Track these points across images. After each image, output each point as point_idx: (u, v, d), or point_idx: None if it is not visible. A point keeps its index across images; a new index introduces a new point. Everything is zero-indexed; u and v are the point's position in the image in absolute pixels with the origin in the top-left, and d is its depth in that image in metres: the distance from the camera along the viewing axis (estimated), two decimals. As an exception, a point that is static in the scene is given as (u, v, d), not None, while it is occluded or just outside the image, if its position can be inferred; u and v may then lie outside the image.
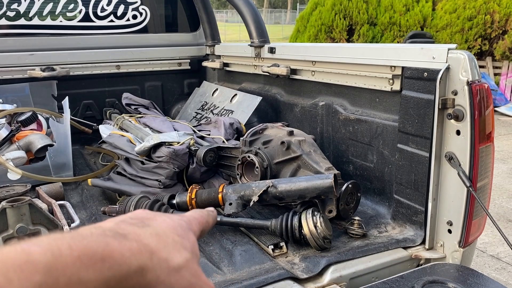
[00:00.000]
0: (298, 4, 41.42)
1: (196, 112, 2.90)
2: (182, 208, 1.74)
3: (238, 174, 1.84)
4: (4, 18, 2.68)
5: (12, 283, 0.35)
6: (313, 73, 2.15)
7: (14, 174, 2.04)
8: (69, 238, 0.40)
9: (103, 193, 2.09)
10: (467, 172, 1.43)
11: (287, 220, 1.53)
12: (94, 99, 2.94)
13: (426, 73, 1.49)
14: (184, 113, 2.99)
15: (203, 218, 0.59)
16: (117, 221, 0.48)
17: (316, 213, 1.52)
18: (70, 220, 1.44)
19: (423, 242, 1.57)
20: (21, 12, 2.71)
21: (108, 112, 2.84)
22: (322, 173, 1.67)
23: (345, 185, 1.64)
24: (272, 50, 2.41)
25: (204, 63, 3.09)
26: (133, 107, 2.76)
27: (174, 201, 1.76)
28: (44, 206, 1.45)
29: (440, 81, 1.43)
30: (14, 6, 2.68)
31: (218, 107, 2.73)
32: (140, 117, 2.58)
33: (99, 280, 0.40)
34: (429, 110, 1.48)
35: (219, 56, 3.03)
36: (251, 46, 2.56)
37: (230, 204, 1.62)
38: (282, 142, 1.78)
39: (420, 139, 1.55)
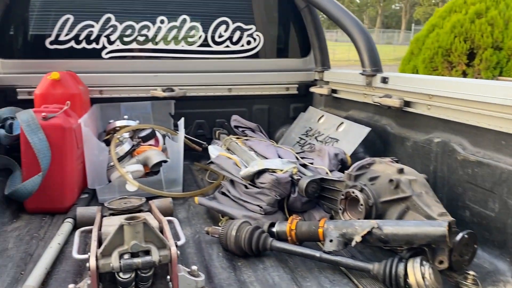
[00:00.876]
0: (413, 24, 39.74)
1: (299, 138, 2.90)
2: (281, 237, 1.74)
3: (340, 209, 1.78)
4: (135, 42, 2.98)
5: None
6: (429, 107, 2.02)
7: (131, 186, 2.23)
8: None
9: (208, 212, 2.18)
10: None
11: (391, 266, 1.44)
12: (205, 119, 3.11)
13: None
14: (288, 138, 3.01)
15: None
16: None
17: (424, 262, 1.41)
18: (176, 239, 1.51)
19: (553, 312, 1.36)
20: (150, 37, 2.99)
21: (217, 132, 2.98)
22: (434, 219, 1.55)
23: (461, 235, 1.49)
24: (384, 80, 2.32)
25: (312, 89, 3.09)
26: (240, 129, 2.86)
27: (274, 229, 1.77)
28: (155, 223, 1.55)
29: None
30: (144, 31, 2.97)
31: (323, 134, 2.70)
32: (246, 139, 2.66)
33: None
34: None
35: (327, 82, 3.01)
36: (362, 74, 2.50)
37: (331, 241, 1.57)
38: (391, 180, 1.69)
39: (556, 193, 1.35)
